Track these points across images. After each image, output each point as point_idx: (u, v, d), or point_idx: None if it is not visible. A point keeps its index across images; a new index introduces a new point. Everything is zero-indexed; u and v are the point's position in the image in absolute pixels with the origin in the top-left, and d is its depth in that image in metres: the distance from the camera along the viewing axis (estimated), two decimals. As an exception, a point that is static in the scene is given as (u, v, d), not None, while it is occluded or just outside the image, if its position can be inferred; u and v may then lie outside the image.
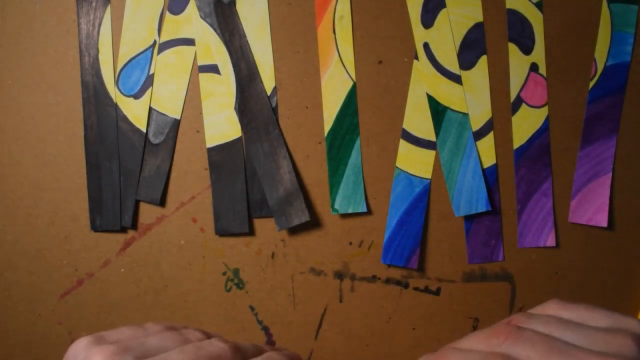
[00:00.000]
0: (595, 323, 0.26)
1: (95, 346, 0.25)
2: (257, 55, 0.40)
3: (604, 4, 0.40)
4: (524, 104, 0.40)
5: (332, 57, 0.40)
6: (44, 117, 0.41)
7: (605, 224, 0.40)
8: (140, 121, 0.40)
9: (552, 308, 0.27)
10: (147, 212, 0.41)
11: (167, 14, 0.40)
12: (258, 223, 0.41)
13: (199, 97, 0.40)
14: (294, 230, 0.41)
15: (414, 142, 0.40)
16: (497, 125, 0.40)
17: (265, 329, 0.41)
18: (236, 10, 0.40)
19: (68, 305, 0.41)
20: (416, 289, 0.41)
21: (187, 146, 0.41)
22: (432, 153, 0.40)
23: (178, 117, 0.40)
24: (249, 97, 0.40)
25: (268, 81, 0.40)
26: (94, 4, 0.40)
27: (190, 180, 0.41)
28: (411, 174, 0.40)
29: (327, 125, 0.40)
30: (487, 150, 0.40)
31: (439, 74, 0.40)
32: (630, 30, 0.40)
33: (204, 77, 0.40)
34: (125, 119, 0.40)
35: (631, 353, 0.24)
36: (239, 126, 0.40)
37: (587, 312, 0.26)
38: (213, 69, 0.40)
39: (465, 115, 0.40)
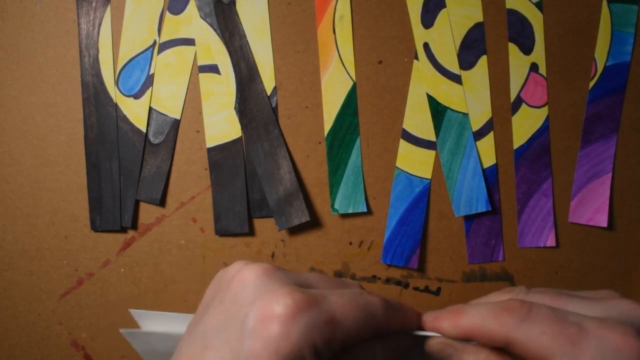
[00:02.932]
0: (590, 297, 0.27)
1: (250, 263, 0.25)
2: (257, 55, 0.40)
3: (604, 4, 0.40)
4: (524, 104, 0.40)
5: (332, 57, 0.40)
6: (44, 117, 0.41)
7: (605, 224, 0.40)
8: (140, 121, 0.40)
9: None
10: (147, 212, 0.41)
11: (167, 14, 0.40)
12: (258, 223, 0.41)
13: (199, 97, 0.40)
14: (294, 230, 0.41)
15: (414, 142, 0.40)
16: (497, 125, 0.40)
17: (265, 329, 0.41)
18: (236, 10, 0.40)
19: (68, 305, 0.41)
20: (416, 289, 0.41)
21: (187, 146, 0.41)
22: (432, 153, 0.40)
23: (178, 117, 0.40)
24: (249, 97, 0.40)
25: (268, 81, 0.40)
26: (94, 4, 0.40)
27: (190, 180, 0.41)
28: (411, 174, 0.40)
29: (327, 125, 0.40)
30: (487, 150, 0.40)
31: (439, 74, 0.40)
32: (630, 30, 0.40)
33: (204, 77, 0.40)
34: (125, 119, 0.40)
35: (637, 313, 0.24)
36: (239, 126, 0.40)
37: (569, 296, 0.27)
38: (213, 69, 0.40)
39: (465, 115, 0.40)
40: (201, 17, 0.40)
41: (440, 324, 0.28)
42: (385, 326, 0.26)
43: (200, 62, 0.40)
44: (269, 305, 0.23)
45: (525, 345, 0.25)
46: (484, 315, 0.26)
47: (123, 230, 0.41)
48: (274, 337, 0.22)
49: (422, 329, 0.29)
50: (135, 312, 0.34)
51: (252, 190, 0.40)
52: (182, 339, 0.26)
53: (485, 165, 0.40)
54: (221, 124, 0.40)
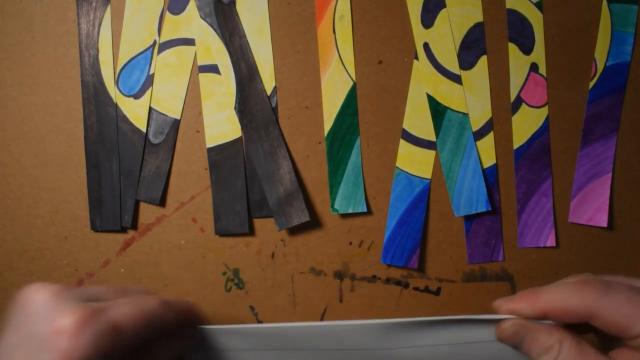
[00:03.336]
0: None
1: (44, 286, 0.28)
2: (257, 55, 0.40)
3: (604, 4, 0.40)
4: (524, 104, 0.40)
5: (332, 57, 0.40)
6: (44, 117, 0.41)
7: (605, 224, 0.40)
8: (140, 121, 0.40)
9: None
10: (147, 212, 0.41)
11: (167, 14, 0.40)
12: (258, 223, 0.41)
13: (199, 97, 0.40)
14: (294, 230, 0.41)
15: (414, 142, 0.40)
16: (497, 125, 0.40)
17: (265, 329, 0.41)
18: (236, 10, 0.40)
19: (68, 305, 0.41)
20: (416, 289, 0.41)
21: (187, 146, 0.41)
22: (432, 153, 0.40)
23: (178, 117, 0.40)
24: (249, 97, 0.40)
25: (268, 81, 0.40)
26: (94, 4, 0.40)
27: (190, 180, 0.41)
28: (411, 174, 0.40)
29: (327, 125, 0.40)
30: (487, 150, 0.40)
31: (439, 74, 0.40)
32: (630, 30, 0.40)
33: (204, 77, 0.40)
34: (125, 119, 0.40)
35: None
36: (239, 126, 0.40)
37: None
38: (213, 69, 0.40)
39: (465, 115, 0.40)
40: (201, 17, 0.40)
41: (516, 305, 0.29)
42: (166, 320, 0.30)
43: (200, 62, 0.40)
44: (57, 321, 0.26)
45: (608, 316, 0.27)
46: (563, 292, 0.28)
47: (123, 230, 0.41)
48: (64, 349, 0.25)
49: (199, 319, 0.33)
50: None
51: (252, 190, 0.40)
52: None
53: (485, 165, 0.40)
54: (221, 124, 0.40)
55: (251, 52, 0.40)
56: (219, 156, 0.40)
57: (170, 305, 0.31)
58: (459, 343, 0.33)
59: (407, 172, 0.40)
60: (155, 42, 0.40)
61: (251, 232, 0.41)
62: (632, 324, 0.26)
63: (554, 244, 0.40)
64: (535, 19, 0.40)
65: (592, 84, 0.40)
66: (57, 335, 0.25)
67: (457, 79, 0.40)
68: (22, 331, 0.27)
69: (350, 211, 0.40)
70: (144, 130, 0.40)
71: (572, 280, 0.29)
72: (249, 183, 0.40)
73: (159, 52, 0.40)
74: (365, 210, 0.40)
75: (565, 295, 0.28)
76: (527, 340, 0.29)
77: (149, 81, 0.40)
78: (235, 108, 0.40)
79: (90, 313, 0.26)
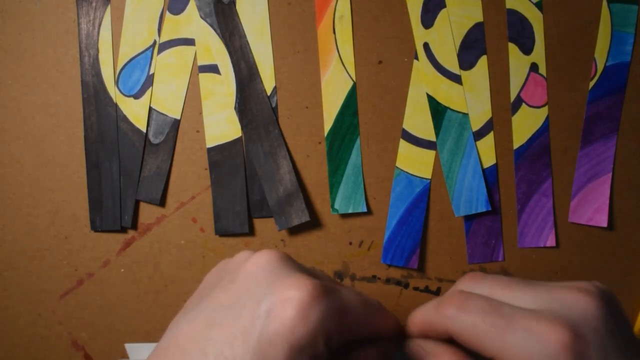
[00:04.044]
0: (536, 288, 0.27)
1: (260, 251, 0.26)
2: (257, 55, 0.40)
3: (604, 4, 0.40)
4: (524, 104, 0.40)
5: (332, 57, 0.40)
6: (44, 117, 0.41)
7: (605, 224, 0.40)
8: (140, 121, 0.40)
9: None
10: (147, 212, 0.41)
11: (167, 14, 0.40)
12: (258, 223, 0.41)
13: (199, 97, 0.40)
14: (294, 230, 0.41)
15: (414, 142, 0.40)
16: (497, 125, 0.40)
17: (265, 329, 0.41)
18: (236, 10, 0.40)
19: (68, 305, 0.41)
20: (416, 289, 0.41)
21: (187, 146, 0.41)
22: (432, 153, 0.40)
23: (178, 117, 0.40)
24: (249, 97, 0.40)
25: (268, 81, 0.40)
26: (94, 4, 0.40)
27: (190, 180, 0.41)
28: (411, 174, 0.40)
29: (327, 125, 0.40)
30: (487, 150, 0.40)
31: (439, 74, 0.40)
32: (630, 30, 0.40)
33: (204, 77, 0.40)
34: (125, 119, 0.40)
35: (585, 308, 0.25)
36: (239, 126, 0.40)
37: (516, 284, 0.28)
38: (213, 69, 0.40)
39: (465, 115, 0.40)
40: (201, 17, 0.40)
41: (408, 325, 0.29)
42: (379, 325, 0.27)
43: (200, 62, 0.40)
44: (288, 289, 0.23)
45: (461, 334, 0.26)
46: (428, 309, 0.27)
47: (123, 230, 0.41)
48: (290, 319, 0.23)
49: (398, 330, 0.30)
50: (129, 346, 0.35)
51: (252, 190, 0.40)
52: (176, 320, 0.26)
53: (485, 165, 0.40)
54: (221, 124, 0.40)
55: (251, 52, 0.40)
56: (219, 156, 0.40)
57: (383, 309, 0.28)
58: None
59: (407, 172, 0.40)
60: (155, 42, 0.40)
61: (251, 232, 0.41)
62: (483, 344, 0.25)
63: (554, 244, 0.40)
64: (535, 19, 0.40)
65: (592, 84, 0.40)
66: (285, 304, 0.23)
67: (457, 79, 0.40)
68: (241, 292, 0.25)
69: (350, 211, 0.40)
70: (144, 130, 0.40)
71: (442, 296, 0.28)
72: (249, 183, 0.40)
73: (159, 52, 0.40)
74: (365, 210, 0.40)
75: (429, 313, 0.27)
76: None
77: (149, 81, 0.40)
78: (235, 108, 0.40)
79: (325, 288, 0.24)
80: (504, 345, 0.24)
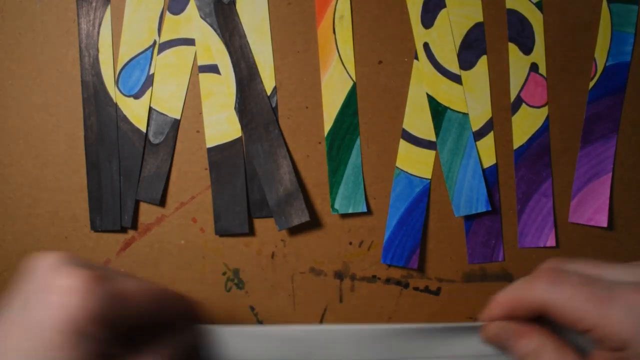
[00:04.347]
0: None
1: (49, 253, 0.28)
2: (257, 55, 0.40)
3: (604, 4, 0.40)
4: (524, 104, 0.40)
5: (332, 57, 0.40)
6: (44, 117, 0.41)
7: (605, 224, 0.40)
8: (140, 121, 0.40)
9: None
10: (147, 212, 0.41)
11: (167, 14, 0.40)
12: (258, 223, 0.41)
13: (199, 97, 0.40)
14: (294, 230, 0.41)
15: (414, 142, 0.40)
16: (497, 125, 0.40)
17: (265, 329, 0.41)
18: (236, 10, 0.40)
19: (68, 305, 0.41)
20: (416, 289, 0.41)
21: (187, 146, 0.41)
22: (432, 153, 0.40)
23: (178, 117, 0.40)
24: (249, 97, 0.40)
25: (268, 81, 0.40)
26: (94, 4, 0.40)
27: (190, 180, 0.41)
28: (411, 174, 0.40)
29: (327, 125, 0.40)
30: (487, 150, 0.40)
31: (439, 74, 0.40)
32: (630, 30, 0.40)
33: (204, 77, 0.40)
34: (125, 119, 0.40)
35: None
36: (239, 126, 0.40)
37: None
38: (213, 69, 0.40)
39: (466, 115, 0.40)
40: (201, 17, 0.40)
41: (490, 308, 0.29)
42: (169, 307, 0.30)
43: (200, 62, 0.40)
44: (67, 280, 0.26)
45: (558, 308, 0.26)
46: (518, 285, 0.28)
47: (123, 230, 0.41)
48: (73, 306, 0.25)
49: (195, 314, 0.33)
50: None
51: (252, 190, 0.40)
52: None
53: (485, 165, 0.40)
54: (221, 124, 0.40)
55: (251, 52, 0.40)
56: (219, 156, 0.40)
57: (174, 294, 0.30)
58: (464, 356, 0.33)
59: (407, 172, 0.40)
60: (155, 42, 0.40)
61: (251, 232, 0.41)
62: (581, 317, 0.26)
63: (554, 244, 0.40)
64: (535, 19, 0.40)
65: (592, 84, 0.40)
66: (66, 294, 0.25)
67: (457, 79, 0.40)
68: (28, 291, 0.26)
69: (350, 211, 0.40)
70: (144, 130, 0.40)
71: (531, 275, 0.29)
72: (249, 183, 0.40)
73: (159, 52, 0.40)
74: (365, 210, 0.40)
75: (520, 288, 0.28)
76: (509, 345, 0.29)
77: (149, 81, 0.40)
78: (235, 108, 0.40)
79: (100, 277, 0.26)
80: (603, 316, 0.25)
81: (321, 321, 0.41)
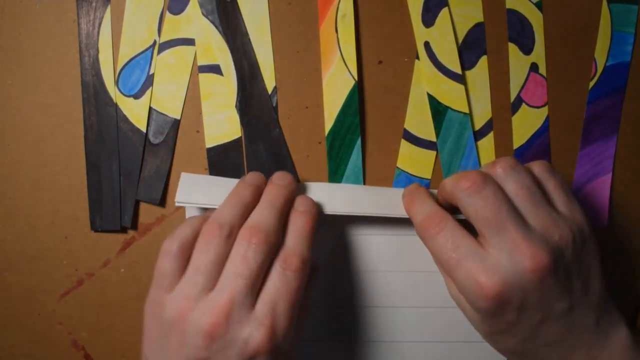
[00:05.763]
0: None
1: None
2: (257, 54, 0.40)
3: (604, 4, 0.40)
4: (524, 104, 0.40)
5: (334, 57, 0.40)
6: (44, 117, 0.41)
7: (605, 224, 0.40)
8: (140, 121, 0.40)
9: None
10: (147, 212, 0.41)
11: (167, 14, 0.40)
12: (258, 223, 0.41)
13: (199, 97, 0.40)
14: (294, 230, 0.41)
15: (415, 142, 0.40)
16: (497, 125, 0.40)
17: (266, 329, 0.41)
18: (239, 8, 0.40)
19: (68, 305, 0.41)
20: (416, 288, 0.41)
21: (187, 146, 0.41)
22: (433, 153, 0.40)
23: (178, 117, 0.40)
24: (251, 96, 0.40)
25: (268, 81, 0.40)
26: (94, 4, 0.40)
27: (191, 180, 0.41)
28: (411, 174, 0.40)
29: (328, 125, 0.40)
30: (487, 150, 0.40)
31: (440, 74, 0.40)
32: (630, 30, 0.40)
33: (204, 77, 0.40)
34: (125, 119, 0.40)
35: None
36: (239, 126, 0.40)
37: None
38: (213, 69, 0.40)
39: (466, 115, 0.40)
40: (203, 14, 0.40)
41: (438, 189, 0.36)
42: None
43: (200, 62, 0.40)
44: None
45: (464, 213, 0.32)
46: (451, 180, 0.33)
47: (123, 230, 0.41)
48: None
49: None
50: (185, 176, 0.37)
51: (253, 190, 0.40)
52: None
53: (486, 165, 0.40)
54: (221, 124, 0.40)
55: (253, 51, 0.40)
56: (219, 156, 0.40)
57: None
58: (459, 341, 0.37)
59: (407, 172, 0.40)
60: (155, 42, 0.40)
61: (251, 232, 0.41)
62: (477, 226, 0.31)
63: (554, 244, 0.40)
64: (535, 19, 0.40)
65: (592, 84, 0.40)
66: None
67: (458, 78, 0.40)
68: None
69: (350, 211, 0.40)
70: (144, 130, 0.40)
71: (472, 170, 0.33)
72: (249, 183, 0.40)
73: (159, 52, 0.40)
74: (365, 210, 0.40)
75: (451, 183, 0.33)
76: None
77: (149, 81, 0.40)
78: (236, 106, 0.40)
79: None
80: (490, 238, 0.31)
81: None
